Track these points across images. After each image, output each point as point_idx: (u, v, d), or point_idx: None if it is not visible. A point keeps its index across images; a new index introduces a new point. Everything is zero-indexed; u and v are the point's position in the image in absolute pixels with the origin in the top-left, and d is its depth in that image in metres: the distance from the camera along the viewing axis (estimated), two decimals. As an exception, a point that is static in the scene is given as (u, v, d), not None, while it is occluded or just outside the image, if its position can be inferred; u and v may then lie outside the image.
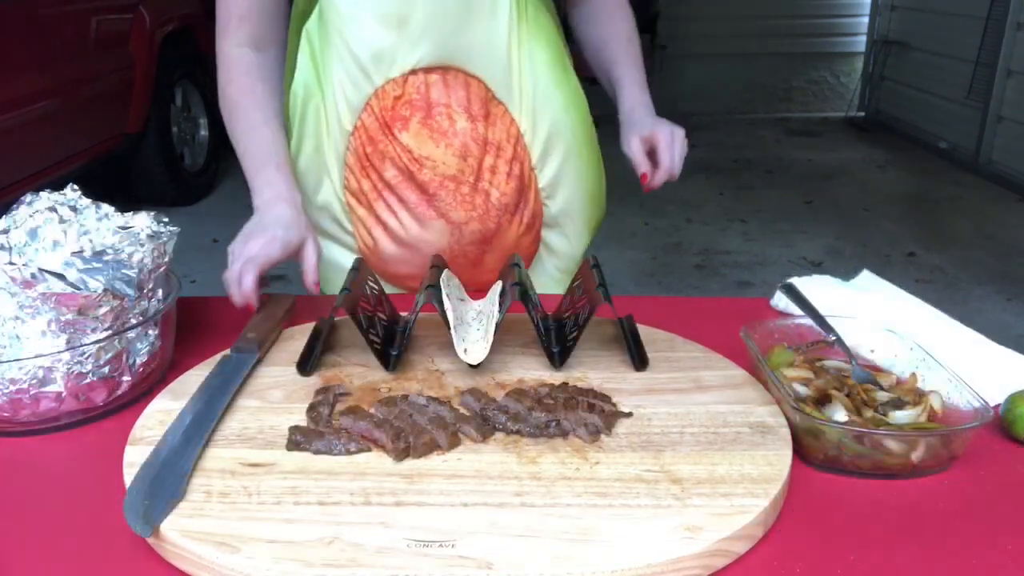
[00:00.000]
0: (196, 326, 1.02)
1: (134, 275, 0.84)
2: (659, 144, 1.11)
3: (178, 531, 0.63)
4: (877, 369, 0.88)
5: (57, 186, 0.90)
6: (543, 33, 1.13)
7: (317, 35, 1.11)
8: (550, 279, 1.27)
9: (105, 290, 0.81)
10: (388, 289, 1.21)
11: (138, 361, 0.85)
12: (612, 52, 1.22)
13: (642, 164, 1.12)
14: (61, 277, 0.80)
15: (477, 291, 1.03)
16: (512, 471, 0.71)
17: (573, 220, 1.24)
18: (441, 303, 0.88)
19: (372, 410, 0.80)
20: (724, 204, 4.67)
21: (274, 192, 1.04)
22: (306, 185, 1.18)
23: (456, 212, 1.15)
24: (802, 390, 0.83)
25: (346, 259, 1.21)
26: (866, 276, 1.14)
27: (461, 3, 1.06)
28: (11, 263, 0.80)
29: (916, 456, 0.74)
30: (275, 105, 1.12)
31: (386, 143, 1.12)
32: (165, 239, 0.89)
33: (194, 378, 0.85)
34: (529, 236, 1.22)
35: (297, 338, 0.95)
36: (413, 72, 1.09)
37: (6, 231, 0.84)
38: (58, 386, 0.80)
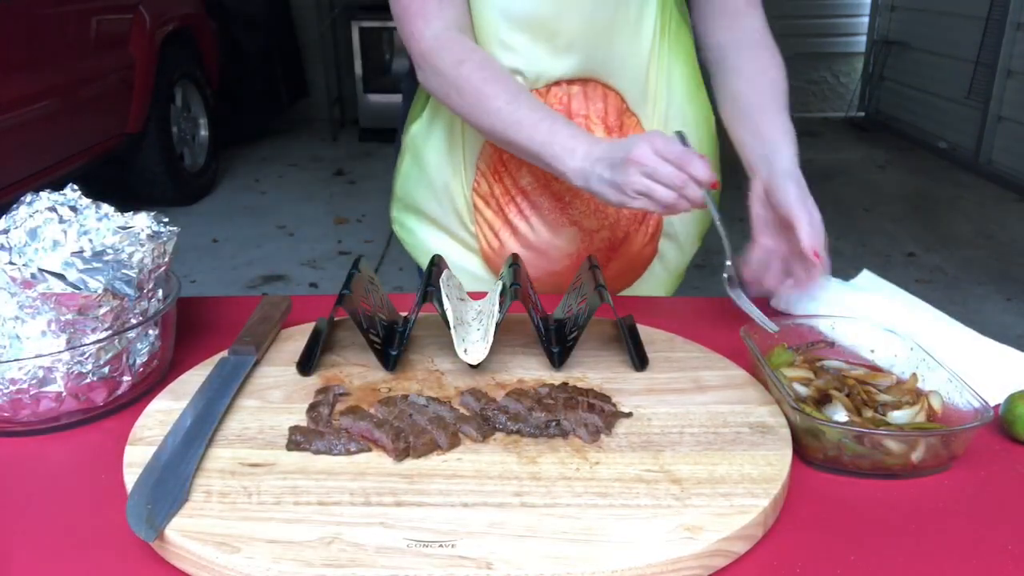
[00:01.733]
0: (196, 326, 1.02)
1: (134, 275, 0.84)
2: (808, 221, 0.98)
3: (178, 531, 0.63)
4: (877, 369, 0.88)
5: (57, 186, 0.90)
6: (682, 49, 1.15)
7: None
8: (658, 283, 1.28)
9: (105, 290, 0.81)
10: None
11: (138, 361, 0.85)
12: (758, 96, 1.10)
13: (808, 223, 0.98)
14: (61, 277, 0.80)
15: None
16: (512, 471, 0.71)
17: (688, 230, 1.25)
18: (441, 303, 0.88)
19: (372, 410, 0.80)
20: (724, 204, 4.64)
21: (590, 138, 0.99)
22: (434, 182, 1.18)
23: (589, 220, 1.16)
24: (802, 390, 0.83)
25: (463, 258, 1.22)
26: (866, 276, 1.14)
27: (609, 19, 1.07)
28: (11, 263, 0.80)
29: (916, 456, 0.74)
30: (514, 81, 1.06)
31: None
32: (165, 239, 0.89)
33: (194, 378, 0.85)
34: (652, 245, 1.23)
35: (296, 338, 0.95)
36: (556, 83, 1.09)
37: (6, 231, 0.84)
38: (58, 386, 0.79)
